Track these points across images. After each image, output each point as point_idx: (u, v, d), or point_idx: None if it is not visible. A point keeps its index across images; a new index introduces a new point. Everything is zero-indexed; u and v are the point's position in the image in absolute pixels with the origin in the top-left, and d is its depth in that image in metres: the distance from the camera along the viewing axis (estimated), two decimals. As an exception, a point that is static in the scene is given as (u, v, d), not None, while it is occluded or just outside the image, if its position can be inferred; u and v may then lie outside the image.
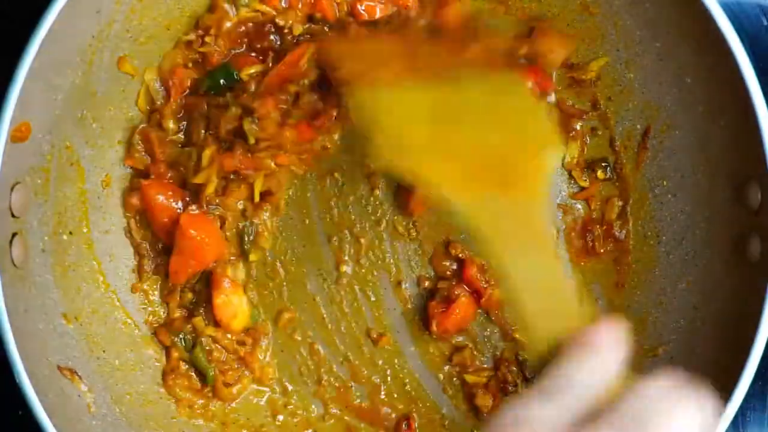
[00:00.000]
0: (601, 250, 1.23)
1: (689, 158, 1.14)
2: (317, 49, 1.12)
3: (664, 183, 1.18)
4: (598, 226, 1.23)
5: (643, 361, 1.16)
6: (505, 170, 0.94)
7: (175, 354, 1.17)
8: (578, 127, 1.23)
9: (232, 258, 1.18)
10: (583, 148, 1.23)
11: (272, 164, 1.14)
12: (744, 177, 1.04)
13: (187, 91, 1.17)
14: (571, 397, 0.66)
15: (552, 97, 1.21)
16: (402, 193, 1.21)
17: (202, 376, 1.18)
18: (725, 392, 0.97)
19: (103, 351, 1.14)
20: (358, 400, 1.23)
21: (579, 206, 1.24)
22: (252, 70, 1.14)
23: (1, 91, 0.96)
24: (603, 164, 1.23)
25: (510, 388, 1.21)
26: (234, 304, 1.18)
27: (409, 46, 1.09)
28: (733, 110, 1.03)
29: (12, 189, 1.00)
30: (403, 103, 1.00)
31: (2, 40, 1.04)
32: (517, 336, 1.22)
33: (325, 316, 1.23)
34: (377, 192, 1.22)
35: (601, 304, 1.23)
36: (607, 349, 0.70)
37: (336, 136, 1.16)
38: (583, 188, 1.23)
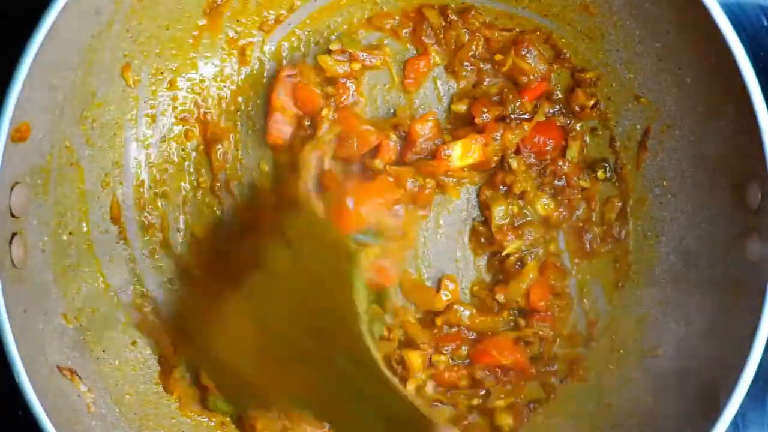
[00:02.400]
0: (601, 250, 1.23)
1: (689, 158, 1.14)
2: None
3: (664, 183, 1.18)
4: (596, 228, 1.23)
5: (643, 361, 1.16)
6: (324, 328, 0.99)
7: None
8: (578, 128, 1.23)
9: None
10: (582, 149, 1.23)
11: None
12: (744, 177, 1.04)
13: None
14: None
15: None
16: None
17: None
18: (725, 392, 0.97)
19: (103, 351, 1.14)
20: None
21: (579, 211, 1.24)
22: None
23: (1, 91, 0.96)
24: (603, 164, 1.23)
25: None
26: None
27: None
28: (733, 110, 1.03)
29: (12, 189, 1.00)
30: (228, 330, 1.05)
31: (2, 40, 1.04)
32: None
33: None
34: None
35: (601, 304, 1.23)
36: None
37: None
38: (584, 188, 1.23)
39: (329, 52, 1.22)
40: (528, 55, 1.21)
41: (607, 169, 1.23)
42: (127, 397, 1.14)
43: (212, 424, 1.20)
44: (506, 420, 1.20)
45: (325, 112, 1.20)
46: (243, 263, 1.08)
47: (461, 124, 1.23)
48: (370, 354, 0.95)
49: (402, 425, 0.89)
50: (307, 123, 1.21)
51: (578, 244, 1.24)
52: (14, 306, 0.97)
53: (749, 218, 1.04)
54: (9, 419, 1.16)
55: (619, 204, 1.23)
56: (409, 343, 1.20)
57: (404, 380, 1.19)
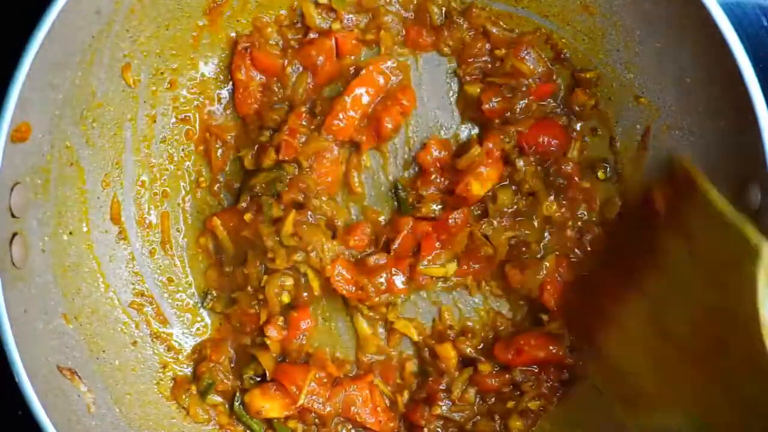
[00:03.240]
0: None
1: (689, 158, 1.13)
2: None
3: (664, 183, 1.18)
4: (596, 228, 1.23)
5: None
6: (718, 332, 0.89)
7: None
8: (578, 128, 1.23)
9: None
10: (583, 149, 1.23)
11: None
12: (744, 177, 1.04)
13: None
14: None
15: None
16: None
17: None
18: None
19: (103, 351, 1.14)
20: None
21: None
22: None
23: (1, 91, 0.96)
24: (603, 164, 1.23)
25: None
26: None
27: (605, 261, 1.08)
28: (733, 110, 1.03)
29: (12, 189, 1.00)
30: (627, 337, 0.99)
31: (2, 40, 1.04)
32: None
33: None
34: None
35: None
36: None
37: None
38: (584, 189, 1.24)
39: (317, 3, 1.22)
40: (527, 58, 1.21)
41: (607, 169, 1.23)
42: (127, 397, 1.14)
43: (211, 424, 1.20)
44: (516, 423, 1.20)
45: (289, 70, 1.21)
46: (639, 264, 1.01)
47: (469, 109, 1.23)
48: None
49: None
50: (276, 86, 1.22)
51: (578, 243, 1.24)
52: (14, 306, 0.97)
53: (749, 218, 1.04)
54: (9, 419, 1.16)
55: (619, 204, 1.23)
56: None
57: None
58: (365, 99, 1.20)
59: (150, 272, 1.23)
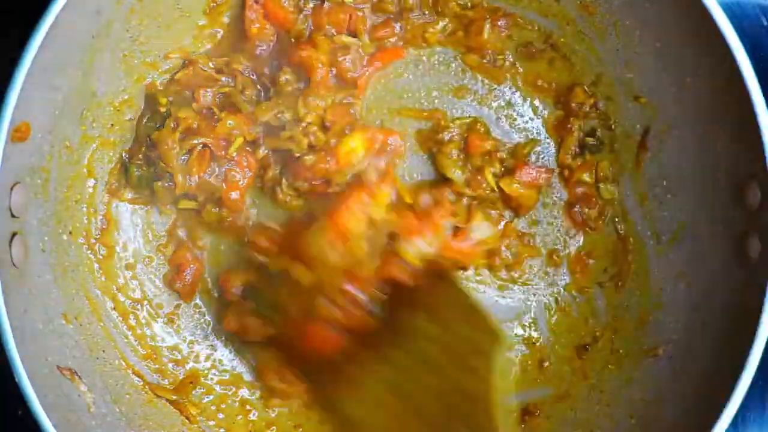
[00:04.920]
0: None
1: (689, 158, 1.14)
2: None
3: (664, 183, 1.18)
4: (587, 209, 1.24)
5: (643, 361, 1.16)
6: (457, 406, 0.97)
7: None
8: (576, 127, 1.23)
9: None
10: (583, 149, 1.24)
11: None
12: (744, 177, 1.04)
13: None
14: None
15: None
16: None
17: None
18: (725, 392, 0.97)
19: (103, 351, 1.14)
20: None
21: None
22: None
23: (1, 91, 0.96)
24: (602, 163, 1.23)
25: None
26: None
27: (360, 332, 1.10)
28: (733, 110, 1.03)
29: (12, 189, 1.00)
30: (365, 398, 1.04)
31: (2, 40, 1.04)
32: None
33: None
34: None
35: (601, 304, 1.24)
36: None
37: None
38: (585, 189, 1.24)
39: None
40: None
41: (607, 168, 1.23)
42: (127, 397, 1.14)
43: (212, 423, 1.20)
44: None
45: (302, 26, 1.20)
46: (384, 333, 1.07)
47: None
48: None
49: None
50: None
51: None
52: (14, 306, 0.97)
53: (749, 218, 1.04)
54: (9, 419, 1.16)
55: (619, 203, 1.23)
56: None
57: None
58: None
59: (150, 272, 1.23)
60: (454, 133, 1.23)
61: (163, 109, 1.16)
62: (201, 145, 1.15)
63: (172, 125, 1.15)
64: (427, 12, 1.23)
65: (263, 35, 1.21)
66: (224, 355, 1.24)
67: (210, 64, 1.19)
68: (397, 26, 1.22)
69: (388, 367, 1.04)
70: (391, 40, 1.23)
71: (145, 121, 1.18)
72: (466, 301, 1.05)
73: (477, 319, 1.02)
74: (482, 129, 1.24)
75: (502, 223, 1.24)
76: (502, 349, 0.99)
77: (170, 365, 1.21)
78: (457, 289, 1.07)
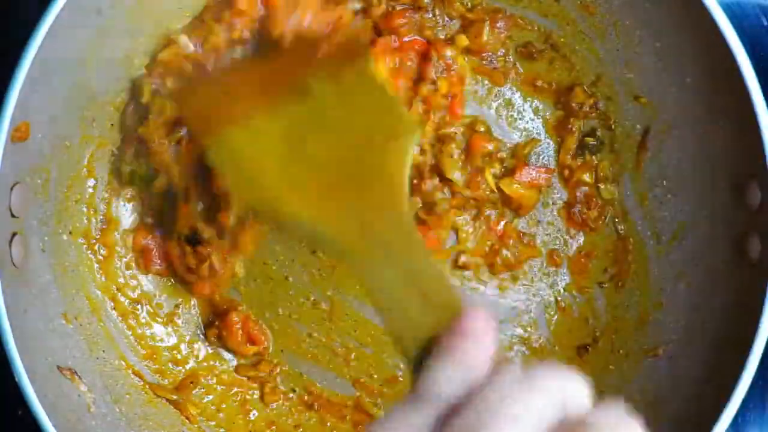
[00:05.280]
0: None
1: (689, 158, 1.14)
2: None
3: (664, 183, 1.18)
4: (587, 210, 1.24)
5: (643, 361, 1.16)
6: (359, 172, 0.93)
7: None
8: (576, 127, 1.23)
9: None
10: (583, 149, 1.23)
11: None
12: (744, 177, 1.04)
13: None
14: (442, 396, 0.64)
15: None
16: None
17: None
18: (725, 392, 0.97)
19: (103, 351, 1.14)
20: None
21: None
22: None
23: (1, 91, 0.96)
24: (602, 164, 1.23)
25: None
26: None
27: (252, 71, 1.07)
28: (733, 110, 1.03)
29: (12, 189, 1.00)
30: (254, 138, 0.99)
31: (2, 40, 1.04)
32: None
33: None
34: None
35: (601, 304, 1.24)
36: (479, 335, 0.66)
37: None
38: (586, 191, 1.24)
39: None
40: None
41: (607, 168, 1.23)
42: (127, 397, 1.14)
43: (212, 423, 1.20)
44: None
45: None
46: (281, 83, 1.03)
47: None
48: (411, 224, 0.91)
49: (429, 296, 0.86)
50: None
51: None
52: (14, 306, 0.97)
53: (749, 218, 1.04)
54: (9, 419, 1.16)
55: (619, 203, 1.23)
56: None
57: None
58: None
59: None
60: (457, 132, 1.23)
61: (145, 100, 1.14)
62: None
63: (155, 117, 1.13)
64: (438, 12, 1.22)
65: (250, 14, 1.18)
66: (224, 354, 1.24)
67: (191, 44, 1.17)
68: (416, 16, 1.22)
69: (278, 114, 0.99)
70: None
71: (129, 112, 1.17)
72: (377, 83, 1.02)
73: (388, 105, 1.00)
74: (483, 128, 1.24)
75: None
76: (414, 138, 0.97)
77: (170, 365, 1.21)
78: (370, 73, 1.04)
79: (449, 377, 0.65)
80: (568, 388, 0.64)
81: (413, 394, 0.66)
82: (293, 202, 0.93)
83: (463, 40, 1.21)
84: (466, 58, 1.22)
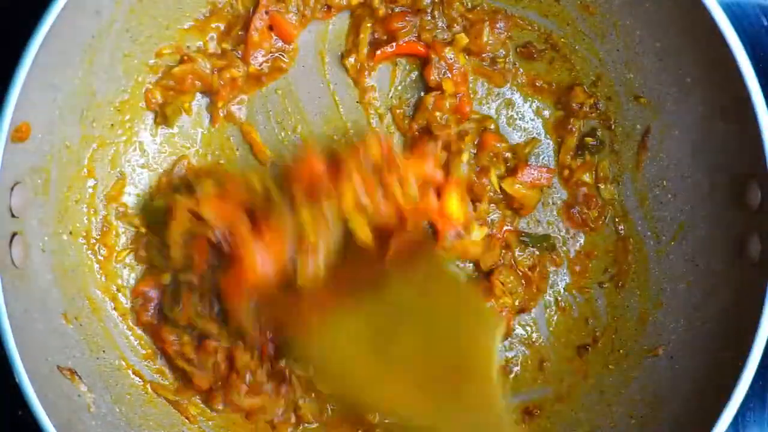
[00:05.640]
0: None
1: (689, 158, 1.14)
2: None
3: (664, 183, 1.18)
4: (587, 210, 1.24)
5: (643, 361, 1.16)
6: (450, 370, 0.96)
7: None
8: (576, 127, 1.23)
9: None
10: (583, 149, 1.24)
11: None
12: (744, 177, 1.04)
13: None
14: None
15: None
16: None
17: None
18: (725, 392, 0.97)
19: (103, 351, 1.14)
20: None
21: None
22: None
23: (1, 91, 0.96)
24: (602, 164, 1.23)
25: None
26: None
27: (335, 276, 1.07)
28: (733, 110, 1.03)
29: (12, 189, 1.00)
30: (337, 333, 1.01)
31: (2, 40, 1.04)
32: None
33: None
34: None
35: (601, 304, 1.24)
36: None
37: None
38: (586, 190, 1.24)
39: None
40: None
41: (607, 168, 1.23)
42: (127, 397, 1.14)
43: (212, 423, 1.20)
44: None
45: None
46: (363, 283, 1.05)
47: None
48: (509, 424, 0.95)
49: None
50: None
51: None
52: (14, 306, 0.97)
53: (749, 218, 1.04)
54: (9, 419, 1.16)
55: (619, 203, 1.23)
56: None
57: None
58: None
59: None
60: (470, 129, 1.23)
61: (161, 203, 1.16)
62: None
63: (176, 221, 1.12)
64: (437, 14, 1.22)
65: (262, 45, 1.21)
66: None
67: (207, 64, 1.19)
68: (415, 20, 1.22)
69: (362, 311, 1.02)
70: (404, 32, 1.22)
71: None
72: (451, 277, 1.06)
73: (466, 298, 1.03)
74: (492, 126, 1.24)
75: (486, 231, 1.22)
76: (499, 333, 0.99)
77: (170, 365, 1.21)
78: (443, 266, 1.08)
79: None
80: None
81: None
82: (387, 398, 0.96)
83: (463, 39, 1.21)
84: (467, 57, 1.22)
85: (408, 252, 1.05)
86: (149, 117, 1.20)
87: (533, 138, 1.25)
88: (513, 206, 1.23)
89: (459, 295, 1.03)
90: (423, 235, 1.11)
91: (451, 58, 1.20)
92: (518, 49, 1.24)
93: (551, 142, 1.26)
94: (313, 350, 1.02)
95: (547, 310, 1.25)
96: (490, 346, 0.97)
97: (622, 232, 1.23)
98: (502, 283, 1.20)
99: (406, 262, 1.04)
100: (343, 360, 1.00)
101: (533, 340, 1.25)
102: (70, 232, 1.13)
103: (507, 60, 1.24)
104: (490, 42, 1.22)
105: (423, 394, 0.95)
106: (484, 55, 1.24)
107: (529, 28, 1.23)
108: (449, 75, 1.21)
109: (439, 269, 1.07)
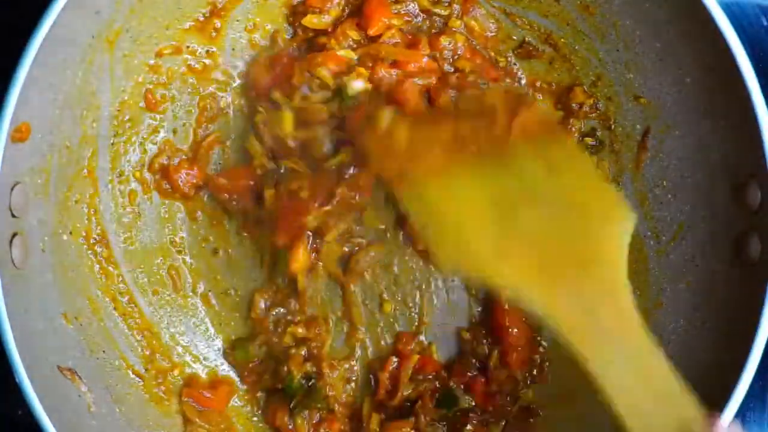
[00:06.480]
0: None
1: (689, 158, 1.14)
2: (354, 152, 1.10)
3: (664, 183, 1.18)
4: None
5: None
6: (576, 253, 0.91)
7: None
8: (576, 127, 1.23)
9: None
10: (582, 149, 1.24)
11: None
12: (744, 177, 1.04)
13: None
14: None
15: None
16: None
17: None
18: (725, 392, 0.97)
19: (103, 351, 1.14)
20: None
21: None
22: None
23: (1, 91, 0.96)
24: (602, 164, 1.23)
25: None
26: None
27: (449, 128, 1.04)
28: (733, 110, 1.03)
29: (12, 189, 1.00)
30: (457, 196, 0.98)
31: (2, 40, 1.04)
32: None
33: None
34: None
35: (601, 304, 1.24)
36: None
37: None
38: None
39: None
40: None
41: (607, 168, 1.23)
42: (127, 397, 1.14)
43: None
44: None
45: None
46: (485, 148, 1.01)
47: None
48: (637, 317, 0.91)
49: None
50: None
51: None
52: (14, 306, 0.97)
53: (749, 218, 1.04)
54: (9, 419, 1.16)
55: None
56: None
57: None
58: None
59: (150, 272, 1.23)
60: None
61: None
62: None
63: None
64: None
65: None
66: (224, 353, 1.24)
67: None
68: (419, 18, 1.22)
69: (483, 178, 0.98)
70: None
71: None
72: (585, 165, 1.02)
73: (599, 187, 0.99)
74: None
75: None
76: (630, 224, 0.95)
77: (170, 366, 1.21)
78: (576, 154, 1.03)
79: None
80: None
81: None
82: (507, 274, 0.92)
83: (456, 23, 1.20)
84: (467, 37, 1.22)
85: (537, 131, 1.02)
86: (149, 117, 1.20)
87: (533, 138, 1.25)
88: None
89: (591, 181, 1.00)
90: (552, 116, 1.12)
91: (450, 44, 1.19)
92: (518, 49, 1.24)
93: (551, 142, 1.26)
94: (424, 204, 0.98)
95: (547, 310, 1.25)
96: (621, 238, 0.93)
97: (622, 232, 1.23)
98: None
99: (535, 140, 1.01)
100: (461, 222, 0.96)
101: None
102: (70, 232, 1.13)
103: (507, 59, 1.24)
104: (482, 28, 1.22)
105: (545, 277, 0.91)
106: (484, 56, 1.24)
107: (529, 27, 1.23)
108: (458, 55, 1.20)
109: (570, 152, 1.02)
